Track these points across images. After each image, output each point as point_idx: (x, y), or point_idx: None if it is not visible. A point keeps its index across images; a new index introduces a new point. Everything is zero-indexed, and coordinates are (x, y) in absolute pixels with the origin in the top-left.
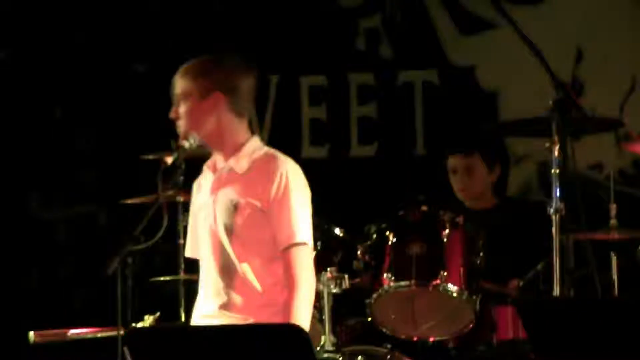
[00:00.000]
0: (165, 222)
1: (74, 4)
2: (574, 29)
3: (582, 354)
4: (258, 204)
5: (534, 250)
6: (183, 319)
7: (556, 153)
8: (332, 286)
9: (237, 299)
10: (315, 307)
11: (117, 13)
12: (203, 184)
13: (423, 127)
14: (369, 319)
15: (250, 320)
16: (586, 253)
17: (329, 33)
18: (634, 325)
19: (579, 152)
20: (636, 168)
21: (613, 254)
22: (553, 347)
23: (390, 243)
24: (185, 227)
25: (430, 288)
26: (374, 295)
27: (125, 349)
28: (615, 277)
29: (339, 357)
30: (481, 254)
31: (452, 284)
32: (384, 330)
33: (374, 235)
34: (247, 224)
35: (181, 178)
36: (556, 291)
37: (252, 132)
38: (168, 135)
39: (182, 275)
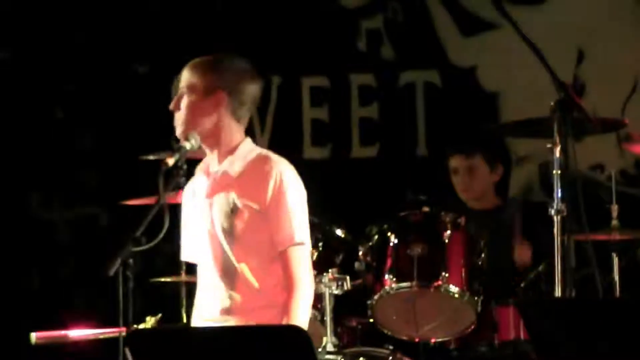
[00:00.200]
0: (166, 224)
1: (74, 4)
2: (575, 30)
3: (583, 354)
4: (255, 206)
5: (535, 251)
6: (184, 320)
7: (557, 154)
8: (333, 287)
9: (238, 301)
10: (316, 308)
11: (118, 13)
12: (196, 188)
13: (424, 128)
14: (371, 320)
15: (252, 323)
16: (587, 254)
17: (330, 34)
18: (635, 325)
19: (581, 152)
20: (637, 169)
21: (614, 255)
22: (554, 348)
23: (391, 244)
24: None
25: (432, 289)
26: (376, 297)
27: (127, 350)
28: (616, 277)
29: (341, 358)
30: (483, 254)
31: (453, 284)
32: (386, 331)
33: (376, 236)
34: (246, 226)
35: (183, 179)
36: (558, 292)
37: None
38: (169, 136)
39: (183, 277)
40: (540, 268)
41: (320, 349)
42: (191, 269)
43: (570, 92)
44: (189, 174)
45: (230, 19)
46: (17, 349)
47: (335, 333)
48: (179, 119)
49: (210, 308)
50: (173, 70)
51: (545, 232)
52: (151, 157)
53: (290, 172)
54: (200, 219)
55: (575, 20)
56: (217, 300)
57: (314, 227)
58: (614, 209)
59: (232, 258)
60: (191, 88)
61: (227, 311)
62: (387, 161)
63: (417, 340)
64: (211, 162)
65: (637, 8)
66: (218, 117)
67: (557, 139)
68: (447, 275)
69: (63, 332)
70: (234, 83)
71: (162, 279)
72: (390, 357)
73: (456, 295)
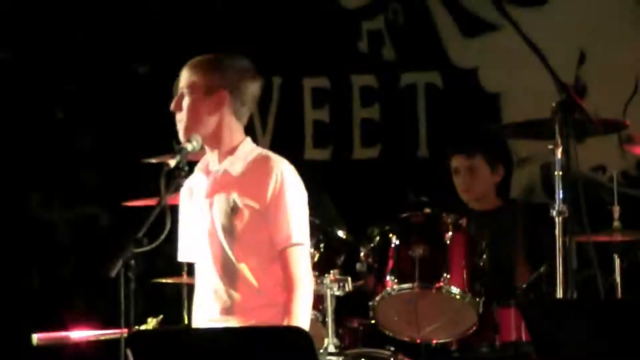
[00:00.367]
0: (168, 225)
1: (75, 4)
2: (576, 31)
3: (585, 355)
4: (255, 205)
5: (537, 253)
6: (186, 321)
7: (559, 155)
8: (335, 288)
9: (238, 300)
10: (317, 309)
11: (118, 13)
12: (194, 188)
13: (426, 129)
14: (372, 321)
15: (253, 323)
16: (589, 255)
17: (331, 35)
18: (637, 326)
19: (582, 154)
20: (639, 170)
21: (616, 256)
22: (556, 349)
23: (393, 245)
24: None
25: (434, 290)
26: (377, 298)
27: (128, 352)
28: (618, 279)
29: (342, 359)
30: (484, 256)
31: (455, 286)
32: (387, 332)
33: (377, 238)
34: (246, 226)
35: (184, 180)
36: (559, 293)
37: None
38: (170, 137)
39: (184, 278)
40: (542, 269)
41: (321, 350)
42: (192, 270)
43: (571, 93)
44: (190, 175)
45: (231, 19)
46: (18, 350)
47: (337, 334)
48: (181, 119)
49: (210, 308)
50: (174, 70)
51: (546, 234)
52: (153, 159)
53: (290, 172)
54: (199, 218)
55: (577, 21)
56: (217, 300)
57: (315, 229)
58: (616, 210)
59: (232, 258)
60: (192, 87)
61: (227, 311)
62: (388, 162)
63: (418, 341)
64: (211, 161)
65: (639, 9)
66: (220, 117)
67: (559, 140)
68: (448, 276)
69: (64, 333)
70: (236, 82)
71: (164, 280)
72: (392, 359)
73: (457, 297)
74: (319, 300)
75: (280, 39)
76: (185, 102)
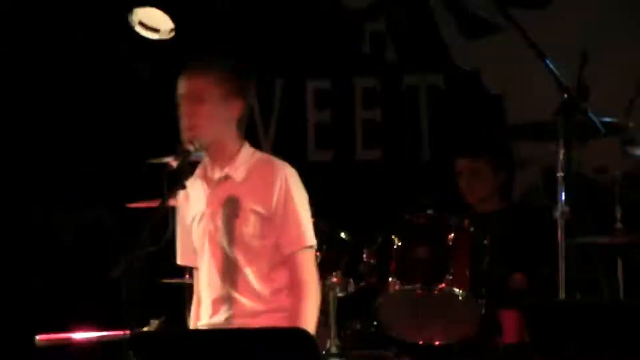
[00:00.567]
0: (171, 226)
1: (76, 4)
2: (579, 32)
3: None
4: (261, 210)
5: (539, 254)
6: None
7: (562, 157)
8: (337, 290)
9: (243, 306)
10: (320, 311)
11: (120, 14)
12: (192, 192)
13: (428, 131)
14: (375, 322)
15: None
16: (592, 257)
17: (334, 37)
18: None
19: (584, 155)
20: None
21: (618, 258)
22: (558, 351)
23: (395, 247)
24: None
25: (436, 292)
26: (380, 299)
27: (131, 353)
28: (620, 280)
29: None
30: (487, 257)
31: (457, 287)
32: (390, 334)
33: (380, 239)
34: (251, 231)
35: (187, 182)
36: (561, 295)
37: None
38: (173, 139)
39: (187, 279)
40: (545, 271)
41: (324, 352)
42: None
43: (574, 95)
44: (192, 177)
45: (234, 22)
46: (21, 351)
47: (339, 336)
48: (195, 124)
49: (213, 314)
50: (176, 72)
51: (548, 236)
52: (156, 161)
53: (294, 175)
54: (201, 224)
55: (579, 22)
56: (220, 306)
57: (317, 230)
58: (618, 212)
59: (237, 263)
60: (211, 94)
61: (230, 317)
62: (390, 164)
63: (421, 343)
64: (210, 167)
65: None
66: (230, 126)
67: (561, 142)
68: (451, 278)
69: (67, 335)
70: (247, 88)
71: (166, 281)
72: None
73: (460, 298)
74: (321, 302)
75: (282, 40)
76: (202, 109)
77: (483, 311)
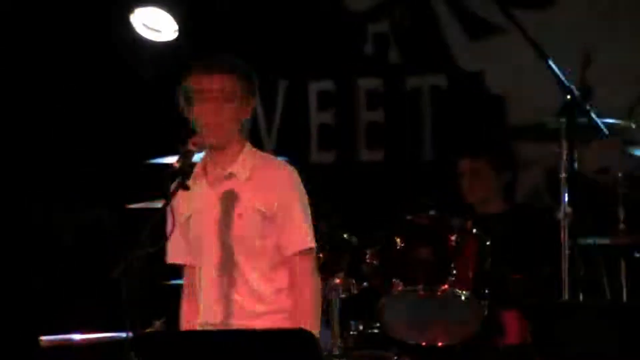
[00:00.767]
0: (172, 227)
1: (78, 5)
2: (582, 33)
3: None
4: (263, 210)
5: (542, 255)
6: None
7: (564, 158)
8: (340, 291)
9: (242, 307)
10: (323, 312)
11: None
12: (191, 191)
13: (431, 132)
14: (377, 323)
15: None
16: (594, 258)
17: (337, 38)
18: None
19: (587, 157)
20: None
21: (621, 259)
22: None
23: (398, 248)
24: None
25: (439, 293)
26: (382, 300)
27: (133, 354)
28: (623, 281)
29: None
30: (489, 258)
31: (460, 288)
32: (393, 335)
33: (382, 240)
34: (253, 231)
35: (189, 182)
36: (565, 296)
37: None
38: (174, 139)
39: None
40: (546, 272)
41: (326, 353)
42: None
43: (577, 96)
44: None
45: (237, 23)
46: (24, 353)
47: (342, 337)
48: (219, 123)
49: (211, 314)
50: (178, 73)
51: (551, 237)
52: (157, 161)
53: (297, 176)
54: (200, 221)
55: (582, 23)
56: (218, 306)
57: (320, 232)
58: (621, 213)
59: (237, 263)
60: (233, 95)
61: (229, 317)
62: (393, 165)
63: (423, 344)
64: (211, 165)
65: None
66: (239, 126)
67: (564, 143)
68: (453, 279)
69: (68, 336)
70: (256, 87)
71: (168, 282)
72: None
73: (462, 299)
74: (324, 303)
75: (285, 42)
76: (229, 106)
77: (485, 312)
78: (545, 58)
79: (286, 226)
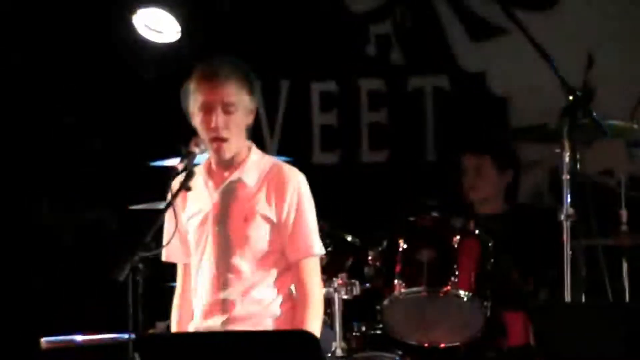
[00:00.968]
0: (176, 228)
1: (82, 8)
2: (585, 35)
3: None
4: (272, 216)
5: (544, 256)
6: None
7: (567, 159)
8: (342, 292)
9: (241, 311)
10: (325, 313)
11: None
12: (194, 193)
13: (433, 133)
14: (380, 325)
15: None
16: (597, 259)
17: (339, 39)
18: None
19: (590, 158)
20: None
21: (624, 260)
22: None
23: (401, 249)
24: None
25: (441, 294)
26: (385, 302)
27: (136, 355)
28: (626, 282)
29: None
30: (492, 259)
31: (462, 289)
32: (395, 336)
33: (385, 241)
34: (259, 235)
35: (192, 184)
36: (567, 297)
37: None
38: (176, 141)
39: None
40: (549, 273)
41: (329, 354)
42: None
43: (579, 98)
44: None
45: (239, 23)
46: (26, 354)
47: (345, 338)
48: (225, 137)
49: (208, 316)
50: (182, 75)
51: (553, 238)
52: (160, 163)
53: (305, 183)
54: (204, 224)
55: (585, 24)
56: (217, 308)
57: (323, 233)
58: (623, 214)
59: (240, 267)
60: (239, 103)
61: (227, 320)
62: (396, 166)
63: (426, 345)
64: (217, 167)
65: None
66: (247, 131)
67: (566, 145)
68: (456, 280)
69: (71, 337)
70: (258, 95)
71: (172, 284)
72: None
73: (465, 300)
74: (326, 304)
75: (288, 42)
76: (234, 117)
77: (488, 313)
78: (547, 59)
79: (293, 233)
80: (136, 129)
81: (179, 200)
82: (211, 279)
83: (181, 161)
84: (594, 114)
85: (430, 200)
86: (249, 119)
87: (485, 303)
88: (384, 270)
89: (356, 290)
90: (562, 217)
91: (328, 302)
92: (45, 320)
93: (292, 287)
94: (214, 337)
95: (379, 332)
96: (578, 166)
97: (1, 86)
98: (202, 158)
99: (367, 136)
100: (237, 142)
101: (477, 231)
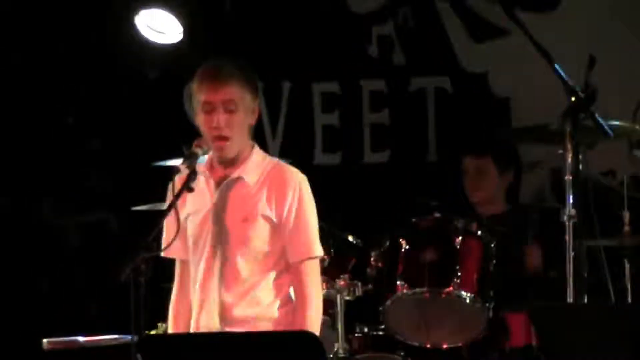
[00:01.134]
0: (178, 229)
1: (84, 8)
2: (586, 35)
3: None
4: (272, 216)
5: (547, 257)
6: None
7: (569, 160)
8: (345, 293)
9: (238, 311)
10: (328, 314)
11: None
12: (196, 193)
13: (435, 134)
14: (382, 326)
15: None
16: (599, 260)
17: (341, 40)
18: None
19: (592, 158)
20: None
21: (626, 261)
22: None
23: (403, 250)
24: None
25: (444, 295)
26: (387, 302)
27: (139, 356)
28: (628, 283)
29: None
30: (494, 260)
31: (465, 290)
32: (397, 337)
33: (387, 242)
34: (258, 235)
35: (194, 184)
36: (570, 298)
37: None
38: (179, 142)
39: None
40: (552, 274)
41: (331, 355)
42: None
43: (581, 98)
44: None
45: (241, 25)
46: (28, 355)
47: (347, 339)
48: (227, 136)
49: (205, 316)
50: (184, 76)
51: (556, 238)
52: (162, 163)
53: (306, 184)
54: (203, 222)
55: (587, 25)
56: (214, 308)
57: (325, 233)
58: (626, 215)
59: (238, 267)
60: (241, 103)
61: (226, 321)
62: (398, 167)
63: (428, 346)
64: (219, 166)
65: None
66: (250, 130)
67: (569, 145)
68: (458, 281)
69: (74, 338)
70: (260, 96)
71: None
72: None
73: (468, 301)
74: (329, 305)
75: (289, 43)
76: (236, 117)
77: (490, 314)
78: (549, 60)
79: (293, 234)
80: (139, 130)
81: (181, 199)
82: (210, 278)
83: (183, 162)
84: (596, 114)
85: (432, 200)
86: (251, 119)
87: (487, 304)
88: (386, 272)
89: (358, 291)
90: (565, 217)
91: (330, 303)
92: (47, 321)
93: (291, 290)
94: (217, 338)
95: (381, 333)
96: (580, 167)
97: (1, 86)
98: (205, 159)
99: (369, 137)
100: (239, 141)
101: (479, 232)
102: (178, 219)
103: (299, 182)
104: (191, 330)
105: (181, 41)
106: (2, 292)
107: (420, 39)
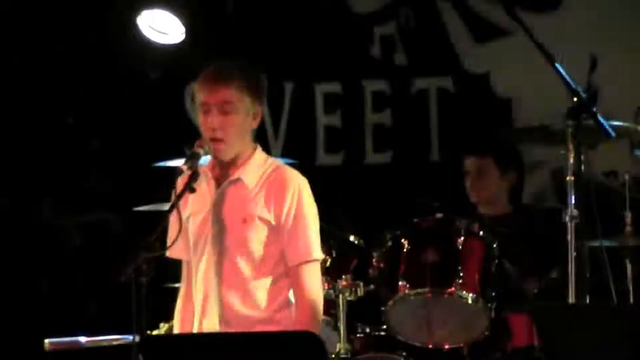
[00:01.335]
0: (180, 229)
1: (84, 8)
2: (588, 36)
3: None
4: (270, 219)
5: (548, 257)
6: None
7: (571, 160)
8: (347, 293)
9: (237, 313)
10: (329, 314)
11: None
12: (197, 193)
13: (437, 134)
14: (384, 326)
15: None
16: (601, 260)
17: (343, 40)
18: None
19: (594, 159)
20: None
21: (628, 261)
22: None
23: (405, 250)
24: None
25: (446, 295)
26: (389, 303)
27: (141, 357)
28: (630, 284)
29: None
30: (496, 261)
31: (467, 291)
32: (399, 337)
33: (389, 243)
34: (256, 237)
35: (196, 185)
36: (571, 298)
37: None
38: (181, 142)
39: None
40: (554, 274)
41: (333, 355)
42: None
43: (583, 99)
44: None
45: (244, 25)
46: (30, 356)
47: (349, 339)
48: (223, 138)
49: (204, 316)
50: (186, 76)
51: (558, 238)
52: (164, 165)
53: (306, 186)
54: (203, 223)
55: (589, 26)
56: (213, 309)
57: (327, 234)
58: (628, 215)
59: (237, 268)
60: (239, 104)
61: (226, 324)
62: (400, 167)
63: (430, 346)
64: (220, 167)
65: None
66: (251, 133)
67: (571, 145)
68: (460, 281)
69: (75, 339)
70: (264, 94)
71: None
72: None
73: (470, 302)
74: (330, 305)
75: (292, 44)
76: (233, 118)
77: (492, 314)
78: (551, 60)
79: (292, 237)
80: (139, 130)
81: (182, 200)
82: (209, 279)
83: (185, 162)
84: (598, 115)
85: (434, 201)
86: (252, 122)
87: (489, 304)
88: (388, 272)
89: (360, 292)
90: (567, 218)
91: (332, 303)
92: (49, 322)
93: (291, 293)
94: (219, 339)
95: (383, 333)
96: (582, 167)
97: (1, 86)
98: (207, 159)
99: (371, 137)
100: (235, 143)
101: (481, 232)
102: (180, 219)
103: (298, 185)
104: (194, 331)
105: (183, 41)
106: (2, 292)
107: (422, 40)
